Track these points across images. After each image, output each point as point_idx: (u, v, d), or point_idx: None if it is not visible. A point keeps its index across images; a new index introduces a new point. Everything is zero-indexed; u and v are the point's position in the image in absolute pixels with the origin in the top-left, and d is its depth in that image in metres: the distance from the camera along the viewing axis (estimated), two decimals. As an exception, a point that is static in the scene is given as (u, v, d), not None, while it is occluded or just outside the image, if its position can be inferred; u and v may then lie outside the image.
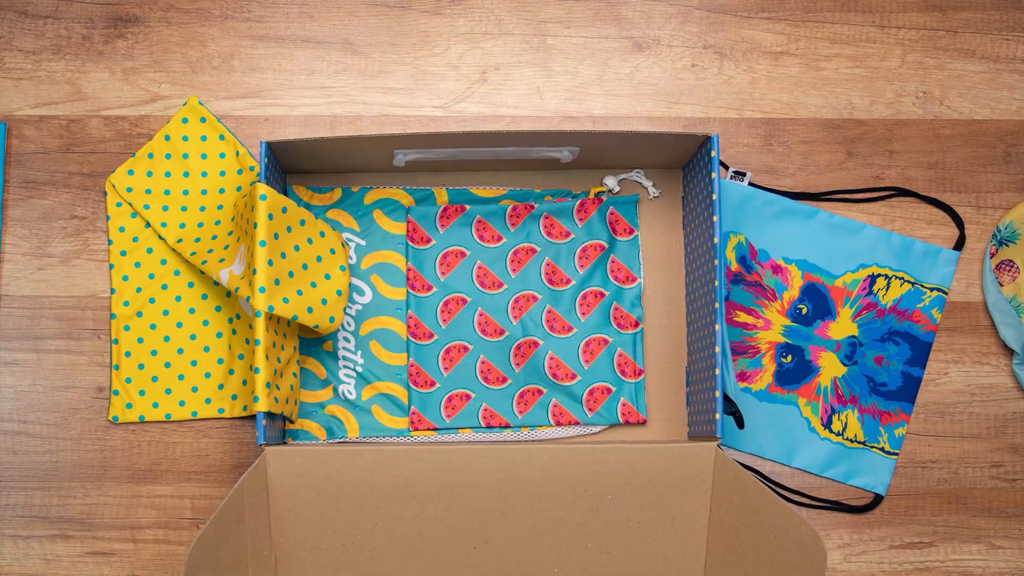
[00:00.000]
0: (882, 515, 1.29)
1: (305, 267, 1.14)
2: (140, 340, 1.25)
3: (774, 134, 1.33)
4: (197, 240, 1.21)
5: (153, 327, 1.25)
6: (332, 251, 1.16)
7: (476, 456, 1.13)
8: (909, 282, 1.28)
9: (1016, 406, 1.31)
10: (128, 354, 1.25)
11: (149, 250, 1.26)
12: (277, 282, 1.10)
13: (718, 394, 1.14)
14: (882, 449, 1.27)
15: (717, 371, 1.14)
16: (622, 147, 1.21)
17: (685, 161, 1.28)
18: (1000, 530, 1.29)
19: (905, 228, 1.32)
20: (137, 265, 1.25)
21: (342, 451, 1.13)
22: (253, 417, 1.28)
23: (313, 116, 1.32)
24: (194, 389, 1.25)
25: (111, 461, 1.28)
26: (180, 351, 1.25)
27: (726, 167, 1.31)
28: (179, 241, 1.23)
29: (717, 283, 1.15)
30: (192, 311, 1.26)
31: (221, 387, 1.24)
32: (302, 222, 1.14)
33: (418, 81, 1.33)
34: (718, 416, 1.14)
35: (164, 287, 1.25)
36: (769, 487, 1.29)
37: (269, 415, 1.15)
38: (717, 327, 1.15)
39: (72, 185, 1.31)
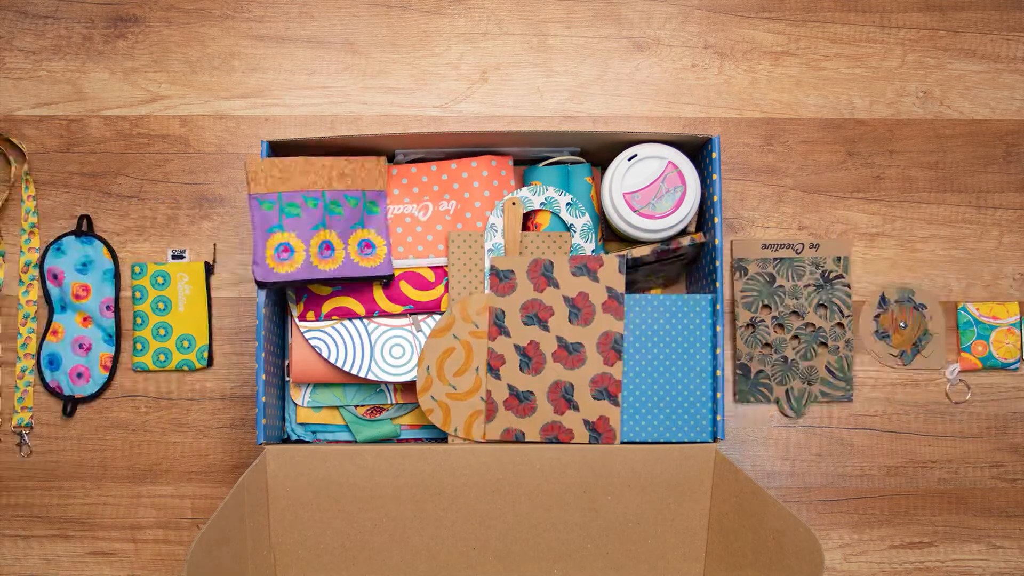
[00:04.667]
0: (882, 515, 1.29)
1: None
2: None
3: (774, 134, 1.33)
4: None
5: None
6: None
7: (476, 456, 1.14)
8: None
9: (1016, 406, 1.31)
10: None
11: None
12: None
13: (719, 395, 1.14)
14: None
15: (719, 372, 1.15)
16: (622, 147, 1.21)
17: (685, 161, 1.28)
18: (1000, 530, 1.29)
19: (905, 228, 1.32)
20: None
21: (342, 451, 1.13)
22: (253, 417, 1.29)
23: (313, 116, 1.32)
24: None
25: (111, 461, 1.28)
26: None
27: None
28: None
29: (718, 284, 1.15)
30: None
31: None
32: None
33: (418, 81, 1.33)
34: (719, 417, 1.14)
35: None
36: (767, 489, 1.29)
37: (268, 414, 1.15)
38: (719, 328, 1.15)
39: (72, 185, 1.31)
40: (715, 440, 1.15)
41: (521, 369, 1.18)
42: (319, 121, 1.32)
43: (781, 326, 1.28)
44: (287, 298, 1.22)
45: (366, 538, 1.14)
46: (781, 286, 1.28)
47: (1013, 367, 1.30)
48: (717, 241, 1.15)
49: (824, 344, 1.29)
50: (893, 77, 1.34)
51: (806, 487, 1.30)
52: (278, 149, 1.19)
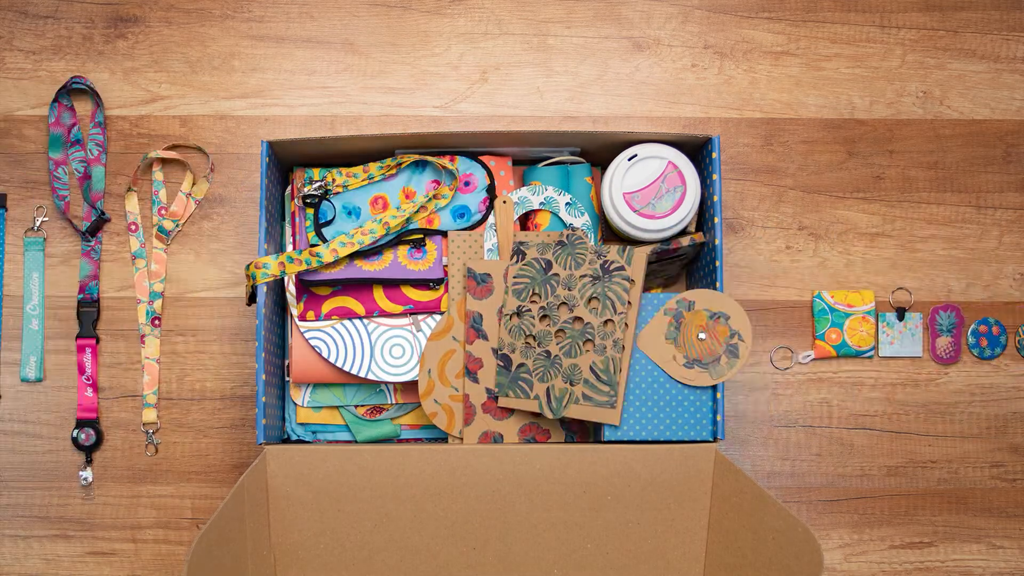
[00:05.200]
0: (882, 515, 1.29)
1: None
2: None
3: (774, 134, 1.33)
4: None
5: None
6: None
7: (476, 456, 1.14)
8: None
9: (1016, 406, 1.31)
10: None
11: None
12: None
13: (720, 395, 1.14)
14: None
15: (717, 371, 1.15)
16: (622, 147, 1.21)
17: (685, 161, 1.28)
18: (1000, 530, 1.29)
19: (905, 228, 1.32)
20: None
21: (342, 451, 1.13)
22: (253, 417, 1.29)
23: (313, 116, 1.32)
24: None
25: (111, 461, 1.28)
26: None
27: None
28: None
29: (718, 284, 1.15)
30: None
31: None
32: None
33: (418, 81, 1.33)
34: (719, 417, 1.14)
35: None
36: (768, 489, 1.29)
37: (268, 414, 1.15)
38: (717, 327, 1.15)
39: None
40: (715, 440, 1.15)
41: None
42: (319, 121, 1.32)
43: (547, 317, 1.15)
44: (287, 298, 1.22)
45: (366, 538, 1.14)
46: (556, 274, 1.15)
47: (867, 355, 1.29)
48: (717, 241, 1.15)
49: (591, 341, 1.14)
50: (893, 77, 1.34)
51: (806, 487, 1.30)
52: (278, 149, 1.19)
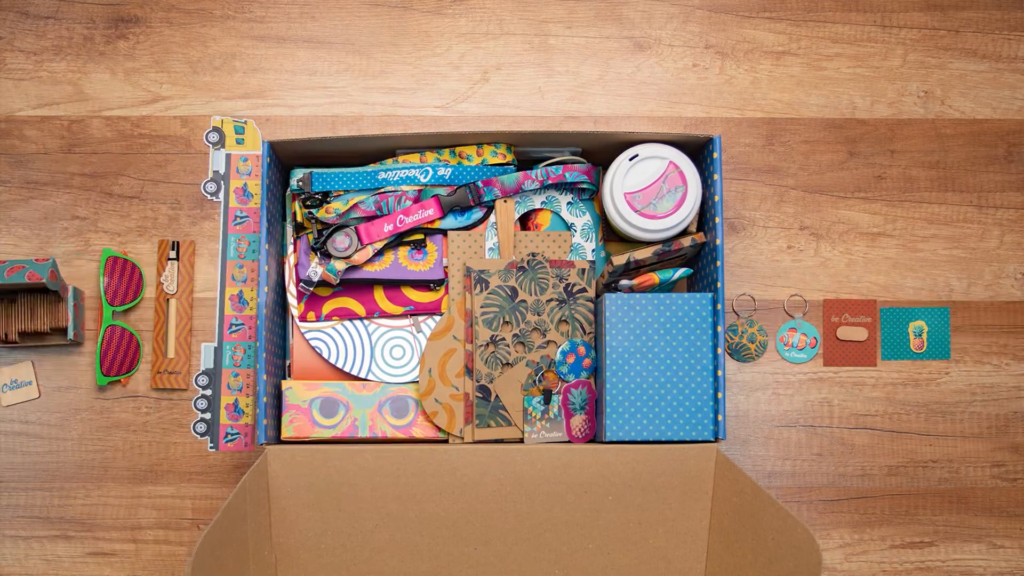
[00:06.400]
0: (883, 515, 1.29)
1: None
2: None
3: (776, 134, 1.33)
4: None
5: None
6: None
7: (476, 456, 1.14)
8: None
9: (1017, 405, 1.31)
10: None
11: None
12: None
13: (720, 395, 1.14)
14: None
15: (720, 372, 1.15)
16: (623, 147, 1.21)
17: (686, 161, 1.27)
18: (1001, 530, 1.29)
19: (907, 228, 1.32)
20: None
21: (343, 451, 1.13)
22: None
23: (315, 116, 1.32)
24: None
25: (111, 461, 1.28)
26: None
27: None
28: None
29: (720, 284, 1.15)
30: None
31: None
32: None
33: (419, 81, 1.33)
34: (720, 417, 1.14)
35: None
36: (768, 489, 1.29)
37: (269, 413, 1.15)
38: (719, 327, 1.15)
39: (73, 185, 1.31)
40: (716, 440, 1.15)
41: None
42: (320, 121, 1.32)
43: (523, 344, 1.17)
44: (287, 298, 1.22)
45: (367, 538, 1.14)
46: (523, 301, 1.18)
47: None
48: (718, 241, 1.15)
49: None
50: (894, 77, 1.34)
51: (807, 487, 1.30)
52: (278, 149, 1.19)
